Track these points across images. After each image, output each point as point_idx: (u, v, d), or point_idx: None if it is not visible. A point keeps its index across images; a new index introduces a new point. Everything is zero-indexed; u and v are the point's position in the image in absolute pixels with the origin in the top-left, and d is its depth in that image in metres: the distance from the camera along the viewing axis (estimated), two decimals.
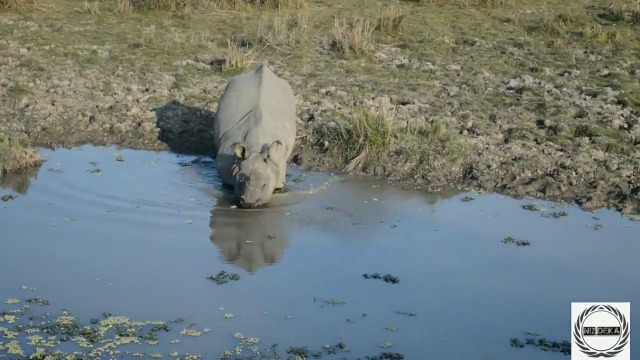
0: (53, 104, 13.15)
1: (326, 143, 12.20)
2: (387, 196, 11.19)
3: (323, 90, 14.08)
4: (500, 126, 12.94)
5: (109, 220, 10.11)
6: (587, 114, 13.37)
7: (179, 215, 10.30)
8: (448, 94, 14.20)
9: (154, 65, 15.00)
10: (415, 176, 11.64)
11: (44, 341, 7.54)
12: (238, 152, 10.62)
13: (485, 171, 11.58)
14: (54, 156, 11.86)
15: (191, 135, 12.65)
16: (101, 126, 12.72)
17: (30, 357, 7.32)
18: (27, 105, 13.05)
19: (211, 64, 15.20)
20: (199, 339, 7.71)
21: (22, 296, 8.22)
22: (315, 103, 13.55)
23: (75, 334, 7.67)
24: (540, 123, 13.07)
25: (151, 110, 13.14)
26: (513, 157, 11.88)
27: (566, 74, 15.30)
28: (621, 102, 13.86)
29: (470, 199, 11.13)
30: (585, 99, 14.02)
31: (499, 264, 9.42)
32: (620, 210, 10.78)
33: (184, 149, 12.35)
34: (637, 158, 11.85)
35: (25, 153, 11.40)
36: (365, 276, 8.93)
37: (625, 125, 12.96)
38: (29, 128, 12.51)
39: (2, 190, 10.78)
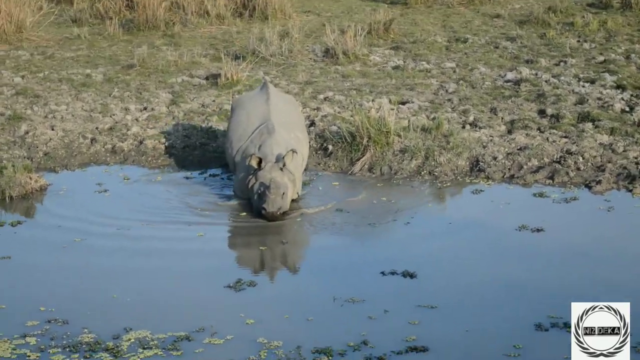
0: (53, 129, 13.09)
1: (330, 147, 12.17)
2: (396, 195, 11.14)
3: (321, 97, 14.05)
4: (502, 118, 12.92)
5: (121, 236, 10.04)
6: (587, 100, 13.35)
7: (189, 228, 10.24)
8: (446, 90, 14.18)
9: (150, 84, 14.95)
10: (422, 173, 11.61)
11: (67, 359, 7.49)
12: (254, 163, 10.53)
13: (491, 163, 11.56)
14: (58, 180, 11.79)
15: (194, 149, 12.60)
16: (103, 147, 12.66)
17: None
18: (27, 132, 12.99)
19: (206, 78, 15.16)
20: (223, 347, 7.66)
21: (42, 317, 8.15)
22: (314, 109, 13.51)
23: (98, 350, 7.62)
24: (542, 112, 13.05)
25: (151, 128, 13.09)
26: (518, 147, 11.85)
27: (562, 64, 15.30)
28: (620, 87, 13.86)
29: (480, 190, 11.09)
30: (584, 86, 14.01)
31: (514, 251, 9.39)
32: (630, 191, 10.77)
33: (188, 163, 12.29)
34: None
35: (30, 178, 11.33)
36: (383, 273, 8.89)
37: (627, 109, 12.97)
38: (31, 154, 12.44)
39: (11, 216, 10.70)
